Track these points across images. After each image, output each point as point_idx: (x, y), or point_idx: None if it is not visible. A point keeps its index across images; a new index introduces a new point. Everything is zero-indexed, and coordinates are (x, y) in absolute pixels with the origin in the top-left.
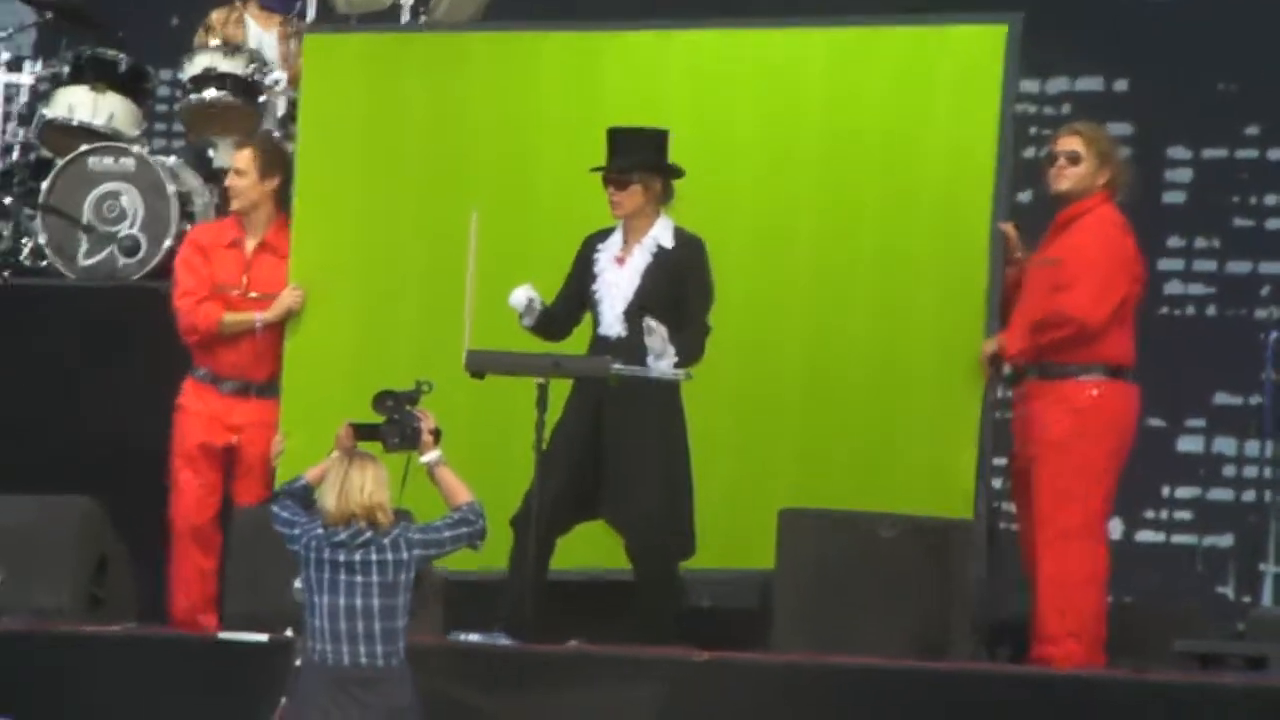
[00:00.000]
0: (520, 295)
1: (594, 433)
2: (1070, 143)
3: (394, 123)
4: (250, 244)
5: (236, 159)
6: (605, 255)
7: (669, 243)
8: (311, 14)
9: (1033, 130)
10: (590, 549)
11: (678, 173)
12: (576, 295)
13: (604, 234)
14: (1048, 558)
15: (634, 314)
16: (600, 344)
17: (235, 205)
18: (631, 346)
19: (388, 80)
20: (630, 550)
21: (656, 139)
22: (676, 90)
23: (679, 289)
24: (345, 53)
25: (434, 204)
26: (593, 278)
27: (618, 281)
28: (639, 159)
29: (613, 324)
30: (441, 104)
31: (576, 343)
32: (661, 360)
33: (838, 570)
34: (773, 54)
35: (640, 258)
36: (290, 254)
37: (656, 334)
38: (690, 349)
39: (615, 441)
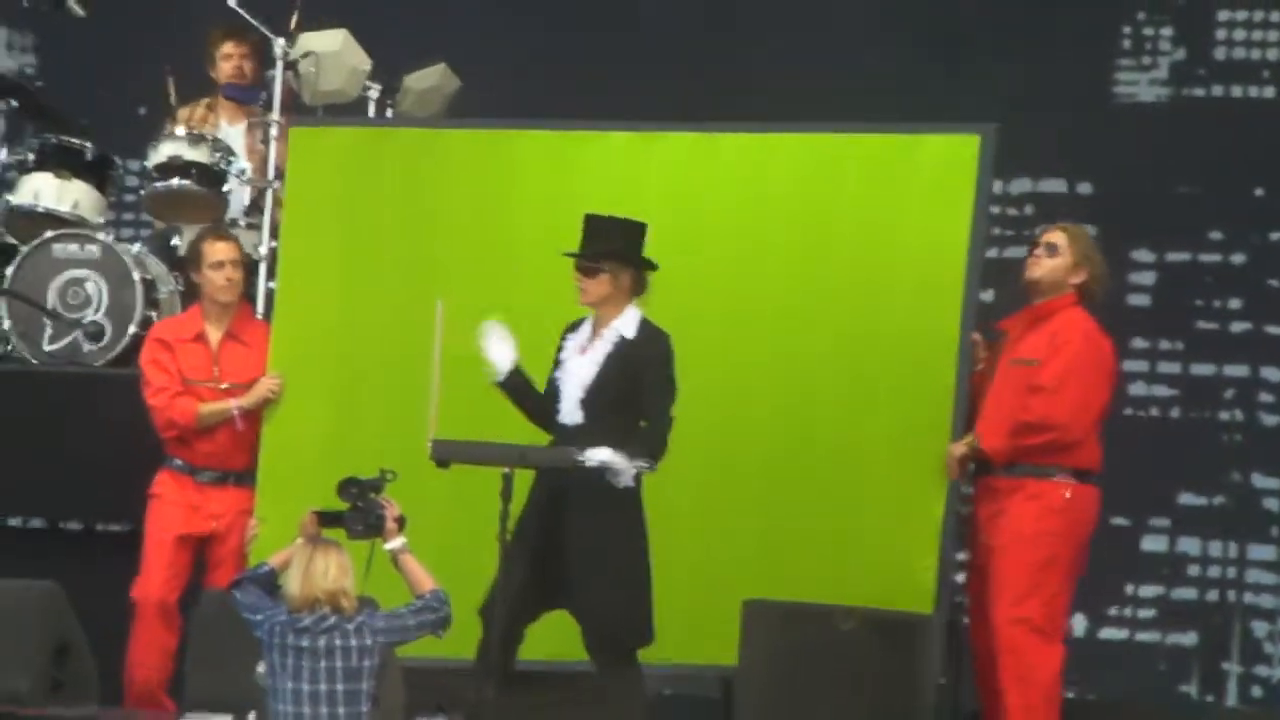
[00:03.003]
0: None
1: (554, 522)
2: (1053, 236)
3: (372, 213)
4: (215, 335)
5: (226, 250)
6: (572, 344)
7: (630, 333)
8: (276, 105)
9: (996, 231)
10: (557, 640)
11: (651, 266)
12: (547, 384)
13: (578, 323)
14: (1006, 654)
15: (590, 403)
16: (560, 431)
17: (230, 296)
18: (590, 434)
19: (368, 172)
20: (586, 640)
21: (632, 230)
22: (651, 191)
23: (635, 382)
24: (328, 145)
25: (409, 293)
26: (557, 364)
27: (578, 370)
28: (609, 248)
29: (571, 411)
30: (419, 197)
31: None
32: (623, 476)
33: (798, 662)
34: (748, 157)
35: (601, 348)
36: (271, 341)
37: (608, 465)
38: (652, 446)
39: (572, 530)
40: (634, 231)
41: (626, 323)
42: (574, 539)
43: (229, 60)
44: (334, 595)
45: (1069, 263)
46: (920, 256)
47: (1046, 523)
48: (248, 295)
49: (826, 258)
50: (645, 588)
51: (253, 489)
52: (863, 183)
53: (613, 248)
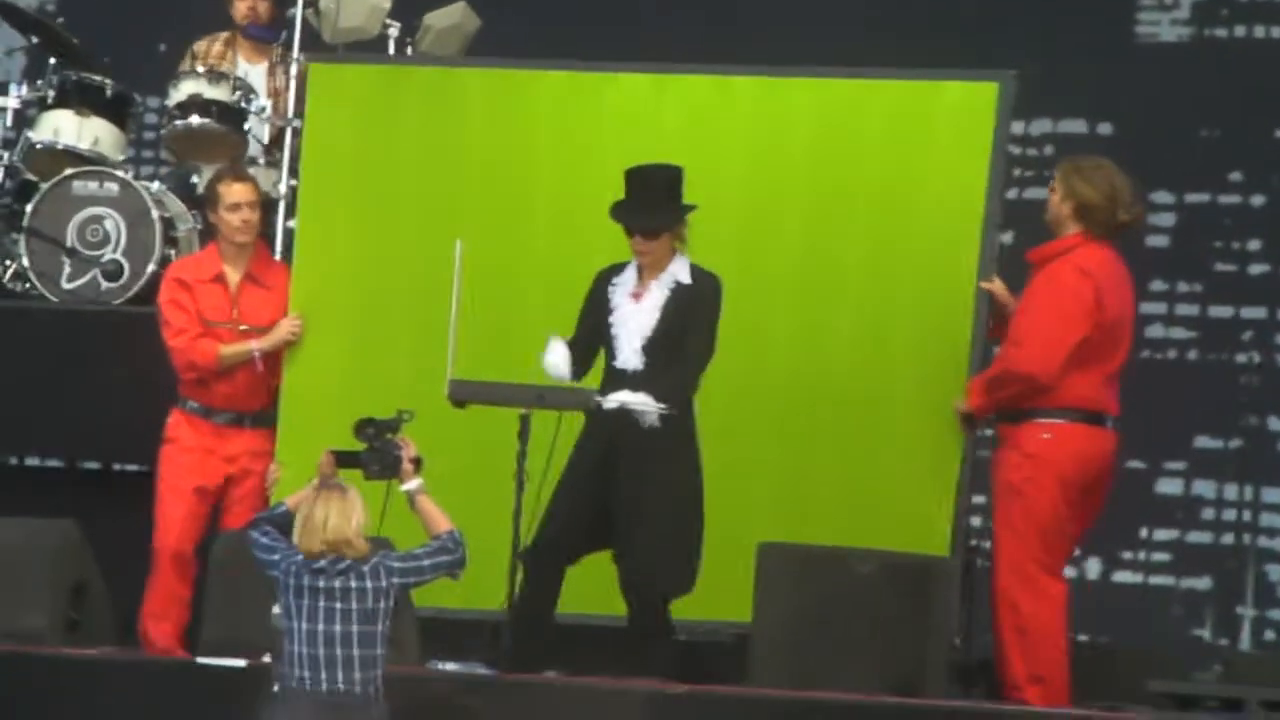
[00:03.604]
0: (557, 358)
1: (604, 465)
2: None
3: (391, 152)
4: (234, 276)
5: (243, 192)
6: (620, 290)
7: (686, 279)
8: (297, 43)
9: (1016, 172)
10: (586, 593)
11: (691, 209)
12: (594, 330)
13: (617, 269)
14: (1004, 603)
15: (651, 349)
16: (615, 376)
17: (246, 238)
18: (649, 379)
19: (386, 110)
20: (622, 580)
21: (676, 179)
22: (669, 132)
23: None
24: (347, 82)
25: (428, 233)
26: (609, 311)
27: (635, 316)
28: (668, 210)
29: (630, 358)
30: (437, 136)
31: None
32: (647, 416)
33: (815, 606)
34: (766, 101)
35: (659, 293)
36: (291, 282)
37: (628, 405)
38: (679, 386)
39: (623, 473)
40: (678, 180)
41: (680, 268)
42: (622, 483)
43: (243, 1)
44: (335, 545)
45: (1057, 199)
46: (938, 203)
47: (1023, 469)
48: (265, 235)
49: (844, 203)
50: (690, 538)
51: (269, 431)
52: (881, 129)
53: (673, 212)
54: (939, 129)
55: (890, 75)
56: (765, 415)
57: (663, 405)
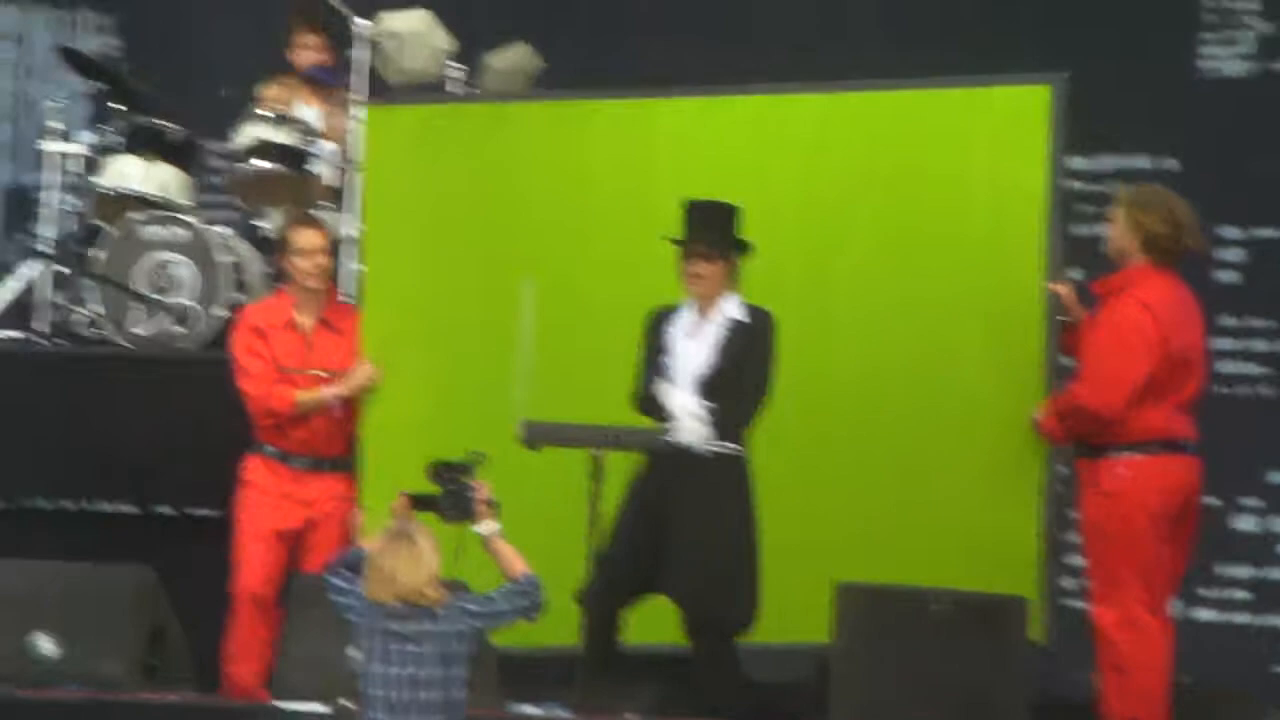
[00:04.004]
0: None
1: (658, 503)
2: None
3: (452, 191)
4: (307, 322)
5: (314, 238)
6: (676, 329)
7: (740, 316)
8: (359, 85)
9: (1081, 208)
10: (655, 624)
11: (748, 248)
12: (650, 370)
13: (670, 309)
14: (1102, 641)
15: (707, 385)
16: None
17: (318, 284)
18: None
19: (445, 150)
20: (686, 623)
21: (735, 216)
22: (721, 155)
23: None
24: (405, 124)
25: (493, 272)
26: (665, 350)
27: (692, 353)
28: (726, 237)
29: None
30: (497, 172)
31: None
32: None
33: (891, 645)
34: (819, 117)
35: (714, 331)
36: (363, 327)
37: (696, 446)
38: (739, 421)
39: (678, 512)
40: (737, 217)
41: (734, 306)
42: (678, 521)
43: (305, 49)
44: (405, 596)
45: (1120, 232)
46: (996, 216)
47: (1105, 508)
48: (333, 277)
49: (901, 219)
50: (749, 572)
51: (348, 475)
52: (934, 139)
53: (728, 237)
54: (993, 134)
55: (938, 84)
56: (840, 442)
57: (729, 445)
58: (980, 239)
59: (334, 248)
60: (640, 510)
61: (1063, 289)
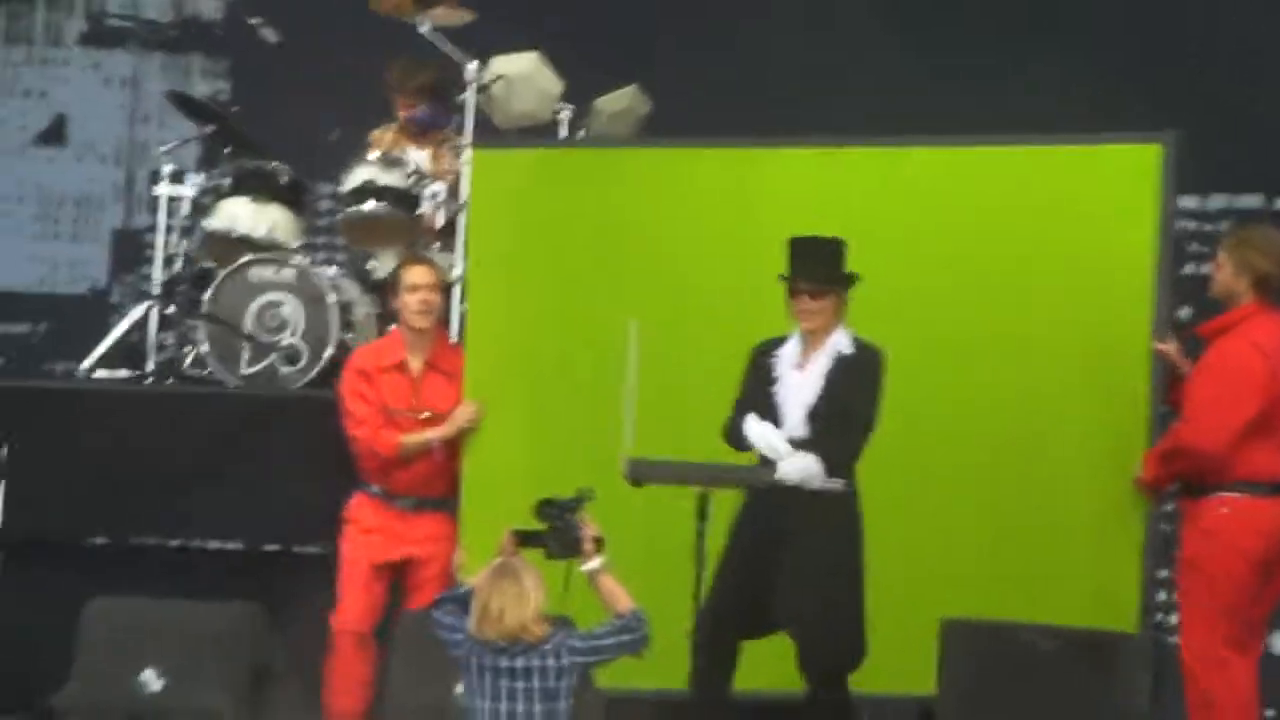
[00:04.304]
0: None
1: (767, 540)
2: (1220, 249)
3: (556, 234)
4: (416, 364)
5: (422, 274)
6: (783, 361)
7: (849, 349)
8: (468, 128)
9: (1192, 247)
10: (763, 669)
11: (855, 280)
12: (754, 403)
13: (776, 342)
14: (1190, 679)
15: (816, 417)
16: None
17: (425, 322)
18: (814, 448)
19: (551, 194)
20: (801, 659)
21: (842, 251)
22: (835, 207)
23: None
24: (511, 167)
25: (596, 314)
26: (772, 381)
27: (800, 385)
28: (833, 271)
29: (795, 426)
30: (602, 217)
31: None
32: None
33: (999, 683)
34: (928, 171)
35: (822, 363)
36: (465, 369)
37: (805, 483)
38: (845, 455)
39: (789, 548)
40: (844, 251)
41: (842, 340)
42: (791, 556)
43: (409, 106)
44: (511, 635)
45: (1229, 274)
46: (1106, 269)
47: (1201, 546)
48: (442, 319)
49: (1012, 273)
50: (859, 606)
51: (451, 515)
52: (1042, 195)
53: (838, 271)
54: (1103, 193)
55: (1050, 141)
56: (946, 484)
57: (837, 480)
58: (1088, 292)
59: (444, 289)
60: (748, 548)
61: (1169, 347)
